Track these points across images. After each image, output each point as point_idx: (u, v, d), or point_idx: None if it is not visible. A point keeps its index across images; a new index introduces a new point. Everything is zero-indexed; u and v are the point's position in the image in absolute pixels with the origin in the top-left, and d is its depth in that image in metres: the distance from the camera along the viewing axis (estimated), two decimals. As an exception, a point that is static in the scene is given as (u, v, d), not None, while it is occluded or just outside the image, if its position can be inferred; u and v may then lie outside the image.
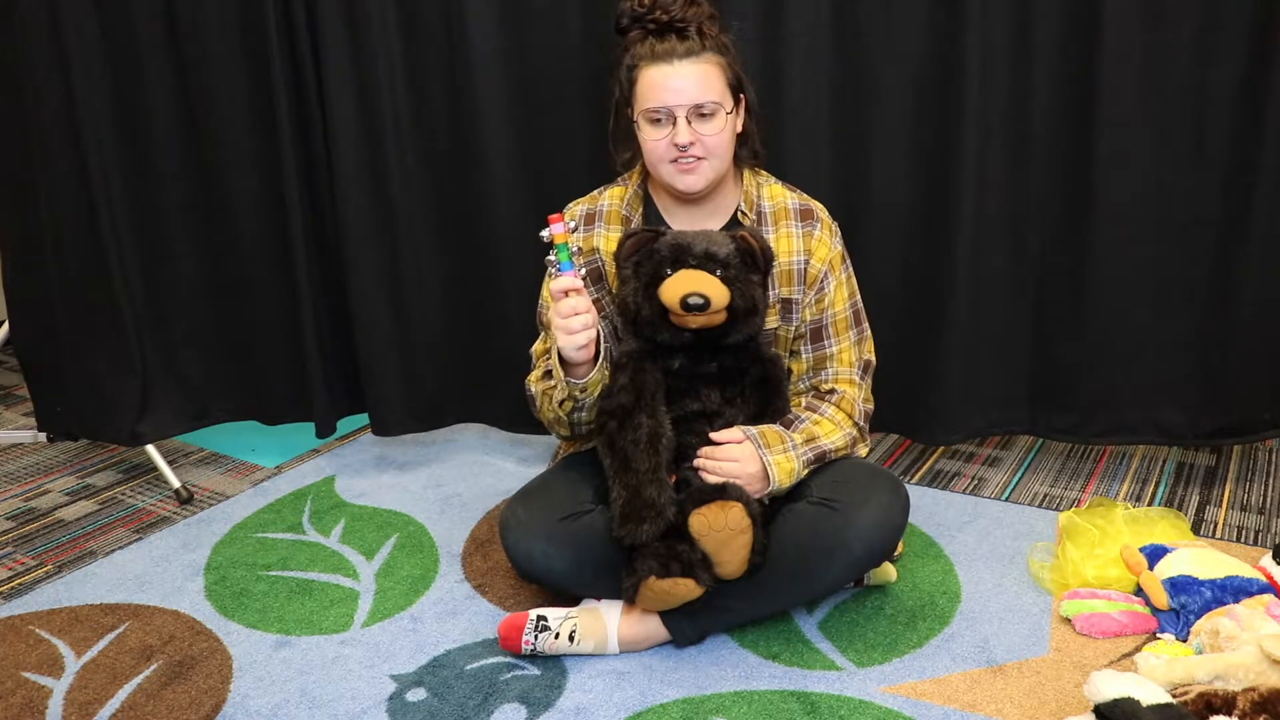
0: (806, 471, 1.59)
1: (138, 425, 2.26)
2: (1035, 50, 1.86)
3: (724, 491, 1.49)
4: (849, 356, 1.69)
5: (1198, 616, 1.55)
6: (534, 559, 1.59)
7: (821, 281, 1.66)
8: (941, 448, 2.33)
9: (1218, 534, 1.91)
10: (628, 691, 1.51)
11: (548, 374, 1.62)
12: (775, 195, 1.69)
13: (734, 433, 1.56)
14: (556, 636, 1.57)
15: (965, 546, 1.89)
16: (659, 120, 1.56)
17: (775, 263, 1.63)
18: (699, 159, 1.56)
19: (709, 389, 1.58)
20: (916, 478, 2.20)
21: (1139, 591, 1.67)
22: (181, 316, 2.30)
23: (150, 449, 2.32)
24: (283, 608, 1.78)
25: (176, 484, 2.24)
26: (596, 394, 1.57)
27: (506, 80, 2.07)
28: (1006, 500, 2.08)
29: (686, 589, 1.48)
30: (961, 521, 1.98)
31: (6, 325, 2.40)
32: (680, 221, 1.67)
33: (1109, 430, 2.06)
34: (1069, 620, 1.63)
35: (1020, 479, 2.17)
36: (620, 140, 1.68)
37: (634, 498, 1.47)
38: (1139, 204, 1.90)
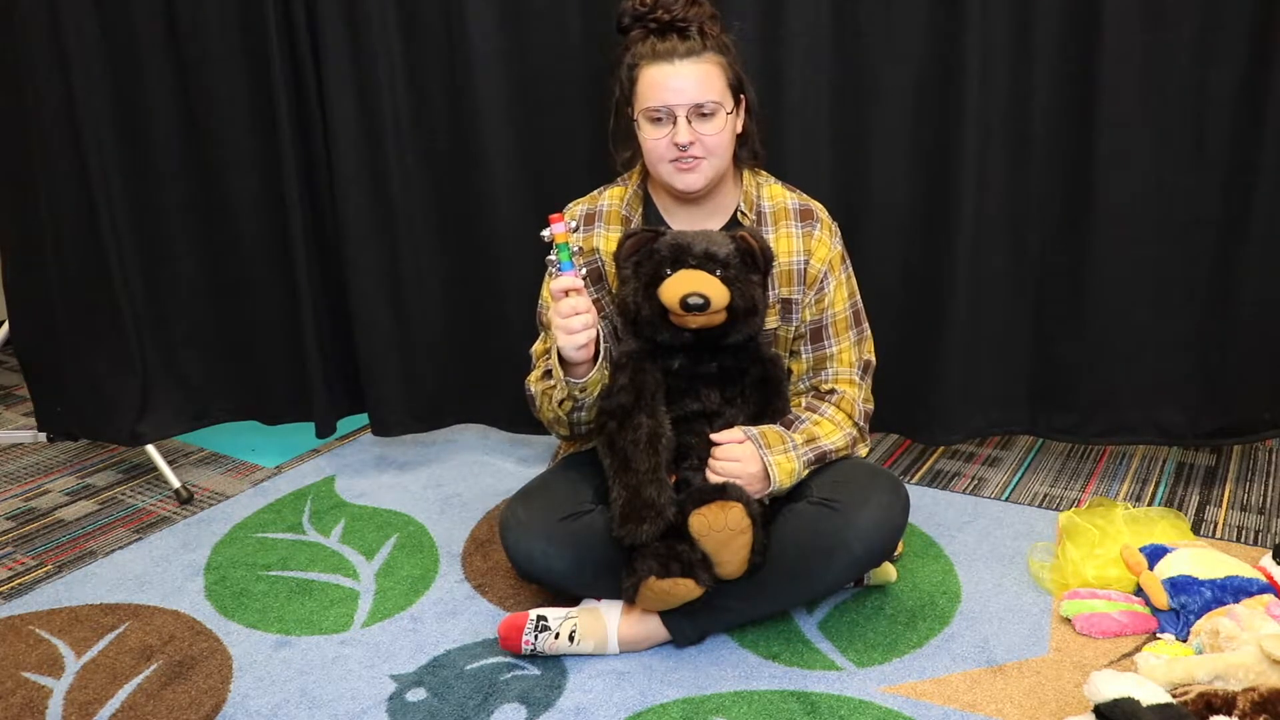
0: (807, 472, 1.59)
1: (138, 425, 2.26)
2: (1035, 50, 1.86)
3: (724, 492, 1.49)
4: (849, 356, 1.69)
5: (1198, 616, 1.55)
6: (534, 559, 1.59)
7: (821, 281, 1.66)
8: (941, 448, 2.33)
9: (1218, 534, 1.91)
10: (628, 691, 1.51)
11: (547, 374, 1.62)
12: (775, 195, 1.69)
13: (735, 433, 1.56)
14: (556, 636, 1.57)
15: (965, 546, 1.89)
16: (659, 119, 1.56)
17: (775, 263, 1.63)
18: (698, 158, 1.56)
19: (709, 389, 1.58)
20: (916, 478, 2.20)
21: (1139, 591, 1.67)
22: (181, 316, 2.30)
23: (150, 449, 2.32)
24: (283, 608, 1.78)
25: (176, 484, 2.24)
26: (596, 394, 1.57)
27: (506, 80, 2.07)
28: (1006, 500, 2.08)
29: (686, 589, 1.48)
30: (961, 521, 1.98)
31: (6, 325, 2.40)
32: (680, 221, 1.67)
33: (1109, 430, 2.06)
34: (1069, 620, 1.63)
35: (1020, 479, 2.17)
36: (620, 140, 1.68)
37: (634, 498, 1.47)
38: (1139, 204, 1.90)
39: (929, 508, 2.04)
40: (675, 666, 1.56)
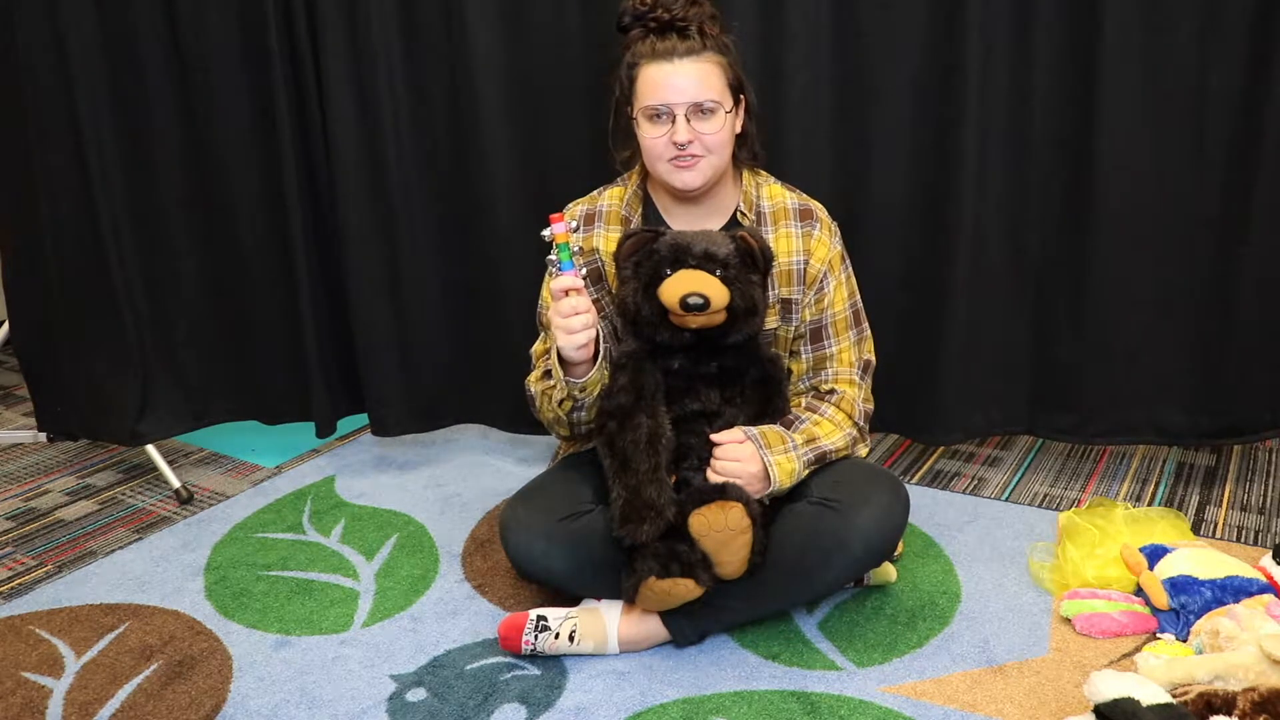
0: (807, 472, 1.59)
1: (138, 425, 2.26)
2: (1035, 50, 1.86)
3: (724, 492, 1.48)
4: (849, 356, 1.69)
5: (1198, 616, 1.55)
6: (534, 559, 1.59)
7: (821, 281, 1.66)
8: (941, 448, 2.33)
9: (1218, 534, 1.91)
10: (628, 691, 1.51)
11: (547, 374, 1.62)
12: (774, 195, 1.69)
13: (735, 433, 1.56)
14: (556, 636, 1.57)
15: (965, 546, 1.89)
16: (658, 117, 1.56)
17: (775, 263, 1.63)
18: (697, 157, 1.56)
19: (709, 389, 1.58)
20: (916, 478, 2.20)
21: (1139, 591, 1.67)
22: (181, 316, 2.30)
23: (150, 449, 2.32)
24: (283, 608, 1.78)
25: (176, 484, 2.24)
26: (596, 394, 1.57)
27: (506, 80, 2.07)
28: (1006, 500, 2.08)
29: (686, 589, 1.48)
30: (961, 521, 1.98)
31: (6, 325, 2.40)
32: (680, 221, 1.67)
33: (1109, 430, 2.06)
34: (1069, 620, 1.63)
35: (1020, 479, 2.17)
36: (620, 139, 1.68)
37: (634, 498, 1.47)
38: (1139, 204, 1.90)
39: (929, 508, 2.04)
40: (675, 666, 1.56)
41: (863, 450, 1.71)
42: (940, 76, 1.90)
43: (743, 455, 1.54)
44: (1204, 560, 1.66)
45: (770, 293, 1.64)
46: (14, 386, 3.05)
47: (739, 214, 1.67)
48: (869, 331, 1.73)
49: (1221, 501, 2.04)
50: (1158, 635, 1.58)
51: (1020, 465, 2.24)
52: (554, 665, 1.58)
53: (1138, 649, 1.55)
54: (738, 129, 1.63)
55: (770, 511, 1.58)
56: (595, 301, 1.67)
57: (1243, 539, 1.89)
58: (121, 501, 2.25)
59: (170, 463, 2.33)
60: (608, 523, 1.53)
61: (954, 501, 2.07)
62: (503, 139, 2.10)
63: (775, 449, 1.55)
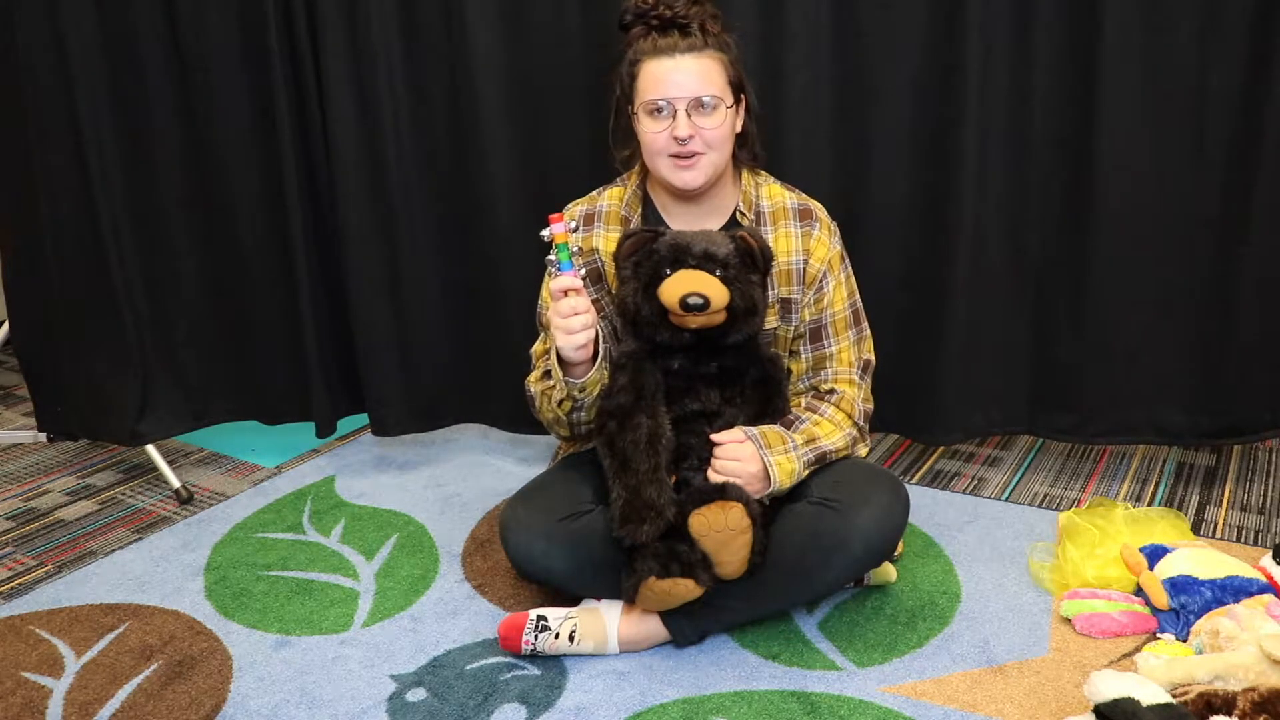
0: (807, 472, 1.59)
1: (138, 425, 2.26)
2: (1035, 50, 1.86)
3: (724, 492, 1.48)
4: (848, 356, 1.69)
5: (1198, 616, 1.55)
6: (534, 559, 1.59)
7: (820, 281, 1.66)
8: (941, 448, 2.33)
9: (1218, 534, 1.91)
10: (628, 691, 1.51)
11: (547, 374, 1.62)
12: (774, 195, 1.69)
13: (735, 433, 1.56)
14: (556, 636, 1.57)
15: (965, 546, 1.89)
16: (659, 112, 1.56)
17: (774, 263, 1.63)
18: (697, 153, 1.56)
19: (709, 389, 1.58)
20: (916, 478, 2.20)
21: (1139, 591, 1.67)
22: (181, 316, 2.30)
23: (150, 449, 2.32)
24: (283, 608, 1.78)
25: (176, 484, 2.24)
26: (595, 394, 1.57)
27: (506, 80, 2.07)
28: (1006, 500, 2.08)
29: (686, 589, 1.48)
30: (961, 521, 1.98)
31: (6, 325, 2.40)
32: (679, 221, 1.67)
33: (1109, 430, 2.06)
34: (1069, 620, 1.63)
35: (1020, 479, 2.17)
36: (620, 138, 1.68)
37: (634, 498, 1.47)
38: (1139, 204, 1.90)
39: (929, 508, 2.04)
40: (675, 666, 1.56)
41: (863, 450, 1.71)
42: (940, 76, 1.90)
43: (743, 455, 1.54)
44: (1204, 560, 1.66)
45: (770, 292, 1.64)
46: (14, 386, 3.05)
47: (738, 214, 1.67)
48: (869, 331, 1.73)
49: (1221, 501, 2.04)
50: (1158, 635, 1.58)
51: (1020, 465, 2.24)
52: (554, 665, 1.58)
53: (1138, 649, 1.55)
54: (738, 128, 1.63)
55: (770, 511, 1.58)
56: (595, 301, 1.67)
57: (1243, 539, 1.89)
58: (121, 501, 2.25)
59: (170, 463, 2.33)
60: (608, 523, 1.53)
61: (954, 501, 2.07)
62: (503, 139, 2.10)
63: (775, 449, 1.55)
